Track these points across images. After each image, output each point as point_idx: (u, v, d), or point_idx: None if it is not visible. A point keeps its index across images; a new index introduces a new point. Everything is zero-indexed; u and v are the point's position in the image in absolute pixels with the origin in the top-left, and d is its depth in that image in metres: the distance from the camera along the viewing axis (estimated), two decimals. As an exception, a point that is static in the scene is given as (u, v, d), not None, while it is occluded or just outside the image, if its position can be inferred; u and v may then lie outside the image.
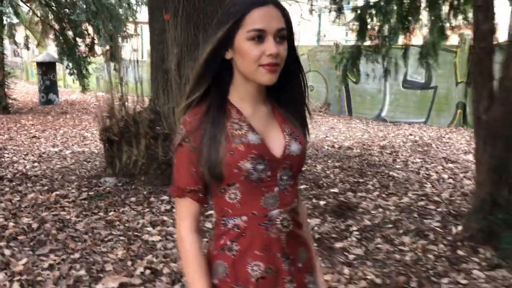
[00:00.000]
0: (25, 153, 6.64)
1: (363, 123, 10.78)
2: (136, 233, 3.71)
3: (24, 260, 3.17)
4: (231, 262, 1.16)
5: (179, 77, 5.00)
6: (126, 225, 3.88)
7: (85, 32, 12.39)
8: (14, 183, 4.99)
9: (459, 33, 9.02)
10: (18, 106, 12.79)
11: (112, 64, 9.35)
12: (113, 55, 11.80)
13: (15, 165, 5.87)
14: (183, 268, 1.20)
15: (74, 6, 11.80)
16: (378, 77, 9.15)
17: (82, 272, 3.04)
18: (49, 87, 14.15)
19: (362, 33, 7.17)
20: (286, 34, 1.13)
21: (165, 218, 4.00)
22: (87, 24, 12.15)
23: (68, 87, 19.20)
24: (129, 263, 3.20)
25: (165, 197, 4.50)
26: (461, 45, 9.77)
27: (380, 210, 4.29)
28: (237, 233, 1.15)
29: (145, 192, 4.67)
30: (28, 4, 13.75)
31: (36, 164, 5.95)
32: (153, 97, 5.50)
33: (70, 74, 13.28)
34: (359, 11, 7.25)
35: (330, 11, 7.39)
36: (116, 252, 3.36)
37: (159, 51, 5.31)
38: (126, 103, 5.36)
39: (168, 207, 4.27)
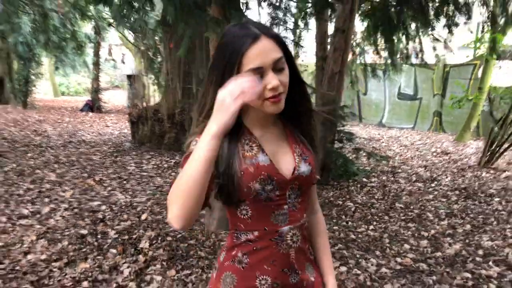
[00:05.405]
0: (92, 132, 10.22)
1: (364, 128, 12.97)
2: (124, 166, 6.82)
3: (59, 171, 6.41)
4: (240, 274, 1.19)
5: (172, 84, 8.15)
6: (123, 163, 7.01)
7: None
8: (76, 144, 8.44)
9: (435, 54, 11.04)
10: (109, 108, 16.90)
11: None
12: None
13: (82, 137, 9.42)
14: (188, 169, 0.99)
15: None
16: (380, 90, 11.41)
17: (79, 172, 6.19)
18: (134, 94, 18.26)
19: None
20: (283, 62, 1.12)
21: (143, 161, 7.09)
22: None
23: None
24: (111, 174, 6.29)
25: (152, 153, 7.62)
26: (437, 63, 11.70)
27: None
28: (249, 247, 1.18)
29: (142, 151, 7.83)
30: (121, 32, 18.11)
31: (94, 136, 9.46)
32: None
33: (153, 84, 17.29)
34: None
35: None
36: (108, 172, 6.48)
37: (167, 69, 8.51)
38: (143, 99, 8.61)
39: (149, 156, 7.36)
